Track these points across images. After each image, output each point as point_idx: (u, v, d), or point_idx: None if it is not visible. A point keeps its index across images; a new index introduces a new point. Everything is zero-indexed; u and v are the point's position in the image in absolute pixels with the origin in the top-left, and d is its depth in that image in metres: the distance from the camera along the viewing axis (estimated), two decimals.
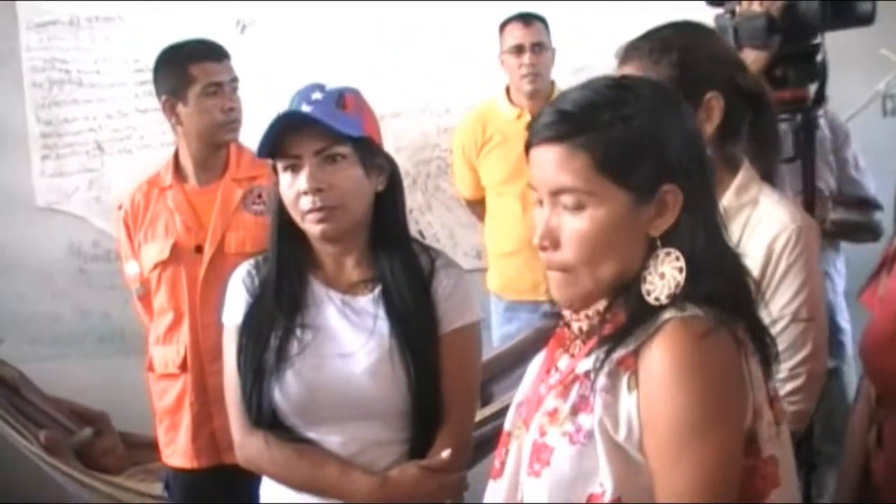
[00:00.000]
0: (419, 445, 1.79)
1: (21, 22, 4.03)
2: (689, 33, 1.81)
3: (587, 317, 1.29)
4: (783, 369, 1.59)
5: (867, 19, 2.18)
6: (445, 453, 1.75)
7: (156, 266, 2.68)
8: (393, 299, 1.79)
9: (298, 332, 1.78)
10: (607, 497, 1.18)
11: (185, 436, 2.66)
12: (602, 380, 1.20)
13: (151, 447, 2.96)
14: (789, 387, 1.62)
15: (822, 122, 2.47)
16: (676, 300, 1.20)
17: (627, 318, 1.23)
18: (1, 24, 4.02)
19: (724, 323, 1.17)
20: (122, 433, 3.57)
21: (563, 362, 1.32)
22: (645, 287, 1.23)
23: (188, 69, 2.65)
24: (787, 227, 1.68)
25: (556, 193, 1.25)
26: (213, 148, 2.70)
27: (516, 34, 3.68)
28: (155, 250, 2.68)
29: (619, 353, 1.20)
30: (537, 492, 1.23)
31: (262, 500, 1.88)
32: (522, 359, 2.69)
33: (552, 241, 1.26)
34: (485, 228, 3.85)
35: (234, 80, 2.71)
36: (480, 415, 2.44)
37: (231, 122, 2.68)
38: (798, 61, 2.21)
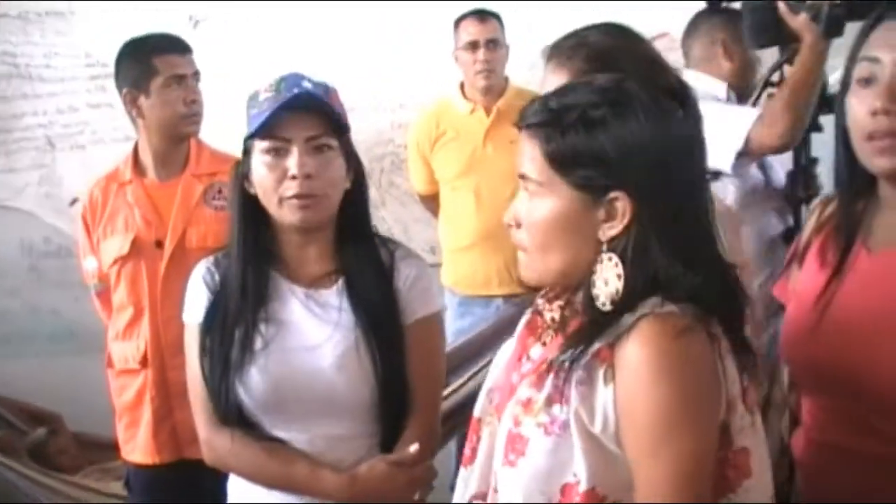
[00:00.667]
0: (387, 438, 1.79)
1: None
2: (607, 32, 1.89)
3: (560, 307, 1.33)
4: None
5: None
6: (413, 447, 1.74)
7: (115, 261, 2.66)
8: (357, 291, 1.79)
9: (262, 326, 1.77)
10: (582, 487, 1.20)
11: (145, 431, 2.65)
12: (577, 372, 1.22)
13: (106, 447, 2.96)
14: None
15: None
16: (628, 304, 1.22)
17: (587, 322, 1.26)
18: None
19: (698, 319, 1.20)
20: (76, 433, 3.54)
21: (536, 351, 1.34)
22: (594, 291, 1.26)
23: (152, 61, 2.65)
24: None
25: (521, 177, 1.30)
26: (175, 141, 2.69)
27: (471, 30, 3.71)
28: (115, 245, 2.66)
29: (594, 347, 1.22)
30: (512, 482, 1.25)
31: (229, 497, 1.87)
32: (480, 352, 2.72)
33: (515, 220, 1.32)
34: (439, 223, 3.88)
35: (197, 73, 2.71)
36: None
37: (193, 114, 2.68)
38: None
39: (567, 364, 1.22)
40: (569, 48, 1.87)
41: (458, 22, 3.77)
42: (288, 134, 1.74)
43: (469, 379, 2.65)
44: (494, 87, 3.72)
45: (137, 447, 2.68)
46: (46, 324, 4.02)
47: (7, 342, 3.97)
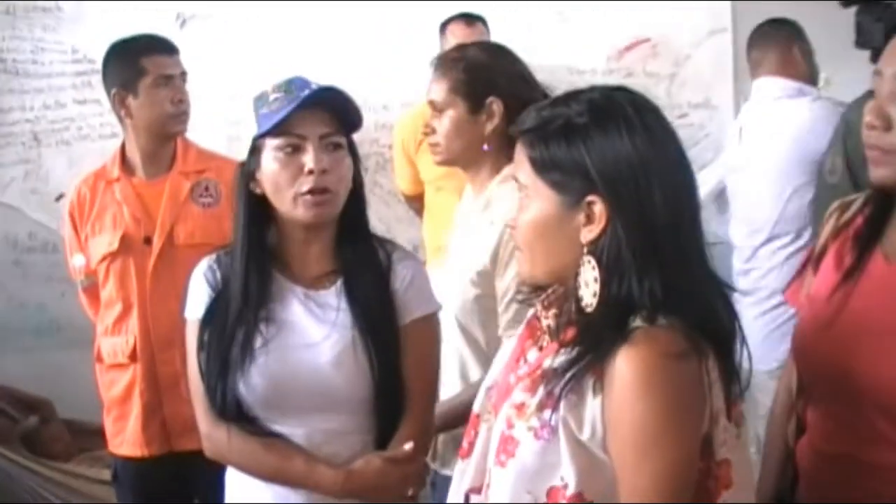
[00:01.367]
0: (382, 434, 1.83)
1: None
2: (483, 49, 2.22)
3: (555, 315, 1.38)
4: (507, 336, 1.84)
5: None
6: (408, 445, 1.77)
7: (104, 258, 2.69)
8: (355, 291, 1.82)
9: (263, 326, 1.80)
10: (570, 491, 1.25)
11: (135, 424, 2.68)
12: (567, 381, 1.26)
13: (97, 434, 2.97)
14: None
15: None
16: (615, 312, 1.26)
17: (578, 330, 1.30)
18: None
19: (688, 335, 1.24)
20: (67, 420, 3.56)
21: (532, 355, 1.40)
22: (579, 293, 1.31)
23: (140, 61, 2.68)
24: (504, 219, 1.89)
25: (515, 181, 1.38)
26: (162, 140, 2.73)
27: (459, 34, 3.73)
28: (103, 242, 2.69)
29: (584, 360, 1.26)
30: (503, 480, 1.31)
31: (227, 489, 1.91)
32: None
33: (513, 221, 1.40)
34: (423, 223, 3.90)
35: (184, 73, 2.75)
36: None
37: (181, 113, 2.72)
38: None
39: (559, 373, 1.27)
40: (450, 60, 2.16)
41: (444, 25, 3.80)
42: (303, 131, 1.77)
43: None
44: None
45: (126, 440, 2.71)
46: (32, 318, 4.01)
47: None
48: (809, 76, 3.47)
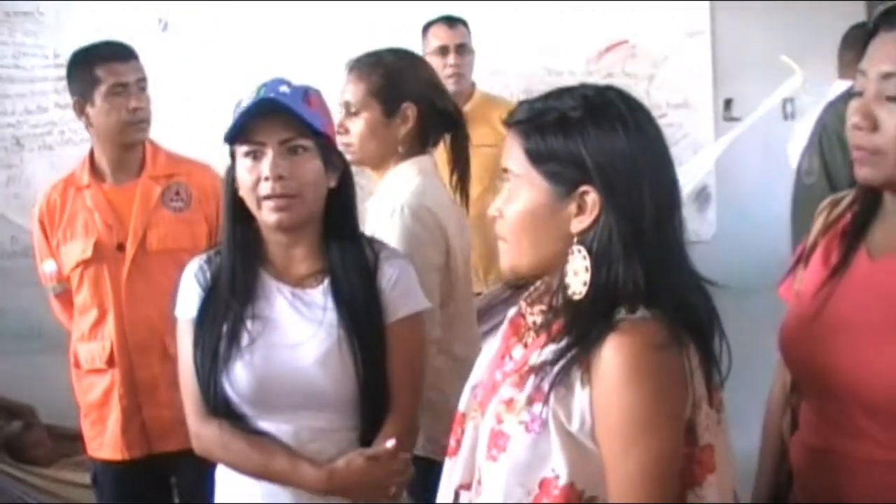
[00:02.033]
0: (367, 432, 1.84)
1: None
2: (399, 56, 2.29)
3: (541, 311, 1.41)
4: None
5: None
6: (390, 443, 1.79)
7: (78, 265, 2.69)
8: (342, 291, 1.83)
9: (249, 323, 1.82)
10: (561, 482, 1.28)
11: (114, 428, 2.68)
12: (556, 375, 1.29)
13: (78, 439, 2.95)
14: None
15: None
16: (603, 301, 1.29)
17: (565, 321, 1.33)
18: None
19: (668, 326, 1.28)
20: (48, 426, 3.55)
21: (518, 352, 1.41)
22: (567, 280, 1.34)
23: (94, 70, 2.67)
24: (396, 201, 2.10)
25: (504, 171, 1.39)
26: (124, 148, 2.71)
27: (441, 35, 3.76)
28: (76, 249, 2.69)
29: (572, 352, 1.29)
30: (495, 475, 1.33)
31: (217, 486, 1.93)
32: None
33: (498, 211, 1.40)
34: None
35: (142, 79, 2.71)
36: None
37: (138, 121, 2.68)
38: None
39: (547, 366, 1.30)
40: (369, 64, 2.24)
41: (426, 27, 3.82)
42: (262, 137, 1.80)
43: None
44: (463, 91, 3.76)
45: (105, 444, 2.71)
46: (14, 322, 4.02)
47: None
48: None
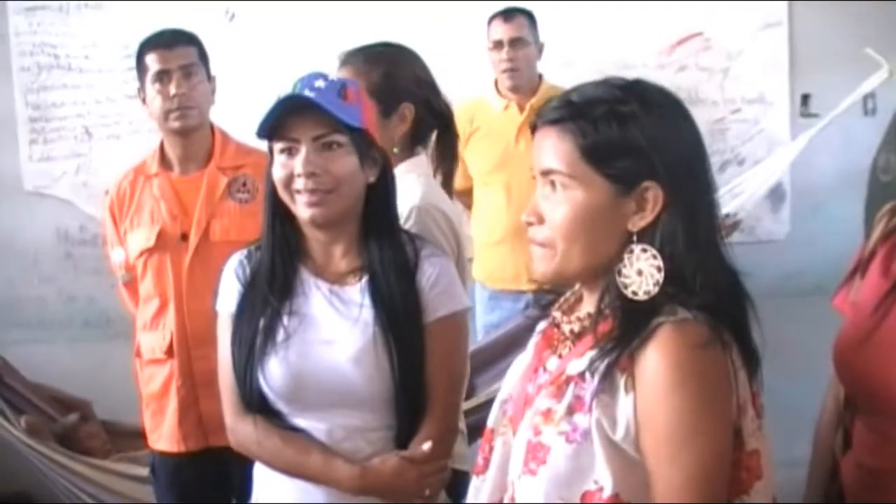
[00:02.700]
0: (404, 433, 1.81)
1: (9, 7, 4.02)
2: (396, 54, 2.24)
3: (578, 319, 1.35)
4: None
5: None
6: (426, 445, 1.77)
7: (142, 253, 2.70)
8: (379, 288, 1.81)
9: (286, 319, 1.81)
10: (606, 494, 1.23)
11: (171, 420, 2.69)
12: (599, 382, 1.24)
13: (134, 435, 2.99)
14: None
15: None
16: (661, 300, 1.25)
17: (618, 322, 1.27)
18: None
19: (712, 327, 1.23)
20: (105, 421, 3.58)
21: (553, 363, 1.36)
22: (620, 280, 1.28)
23: (144, 59, 2.70)
24: (407, 205, 2.03)
25: (545, 174, 1.32)
26: (175, 135, 2.71)
27: (497, 30, 3.73)
28: (141, 238, 2.70)
29: (615, 356, 1.24)
30: (533, 489, 1.28)
31: (255, 482, 1.92)
32: (505, 353, 2.72)
33: (537, 217, 1.33)
34: (471, 218, 3.89)
35: (187, 66, 2.69)
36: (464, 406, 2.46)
37: (178, 108, 2.67)
38: None
39: (590, 371, 1.25)
40: (366, 62, 2.18)
41: (488, 22, 3.79)
42: (295, 134, 1.79)
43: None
44: (524, 85, 3.73)
45: (163, 435, 2.72)
46: (81, 310, 4.08)
47: (42, 328, 4.04)
48: None
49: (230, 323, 1.87)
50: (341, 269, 1.85)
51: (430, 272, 1.84)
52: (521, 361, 1.44)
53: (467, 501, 1.43)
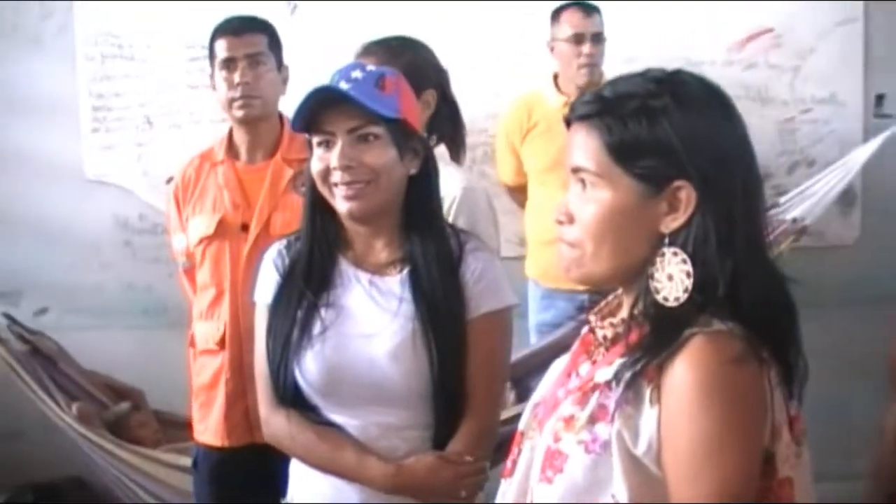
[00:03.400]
0: (442, 432, 1.78)
1: None
2: (415, 44, 2.37)
3: (612, 325, 1.29)
4: None
5: None
6: (466, 459, 1.75)
7: (201, 241, 2.69)
8: (420, 281, 1.78)
9: (323, 311, 1.79)
10: None
11: (218, 413, 2.67)
12: (624, 391, 1.19)
13: (186, 426, 2.97)
14: None
15: None
16: (693, 309, 1.18)
17: (650, 329, 1.21)
18: None
19: (749, 341, 1.16)
20: (157, 411, 3.60)
21: (584, 368, 1.31)
22: (653, 284, 1.22)
23: (213, 47, 2.70)
24: (450, 189, 2.08)
25: (575, 171, 1.27)
26: (241, 124, 2.69)
27: (576, 23, 3.64)
28: (202, 225, 2.69)
29: (641, 366, 1.19)
30: (547, 498, 1.23)
31: (290, 479, 1.91)
32: (560, 355, 2.65)
33: (566, 216, 1.28)
34: (525, 215, 3.83)
35: (255, 55, 2.66)
36: (514, 410, 2.41)
37: (241, 97, 2.64)
38: None
39: (616, 380, 1.19)
40: (391, 50, 2.25)
41: (557, 13, 3.71)
42: (331, 127, 1.77)
43: None
44: (595, 82, 3.66)
45: (209, 428, 2.70)
46: (139, 298, 4.10)
47: (100, 315, 4.07)
48: None
49: (266, 313, 1.85)
50: (382, 259, 1.83)
51: (475, 266, 1.80)
52: (559, 364, 1.39)
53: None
